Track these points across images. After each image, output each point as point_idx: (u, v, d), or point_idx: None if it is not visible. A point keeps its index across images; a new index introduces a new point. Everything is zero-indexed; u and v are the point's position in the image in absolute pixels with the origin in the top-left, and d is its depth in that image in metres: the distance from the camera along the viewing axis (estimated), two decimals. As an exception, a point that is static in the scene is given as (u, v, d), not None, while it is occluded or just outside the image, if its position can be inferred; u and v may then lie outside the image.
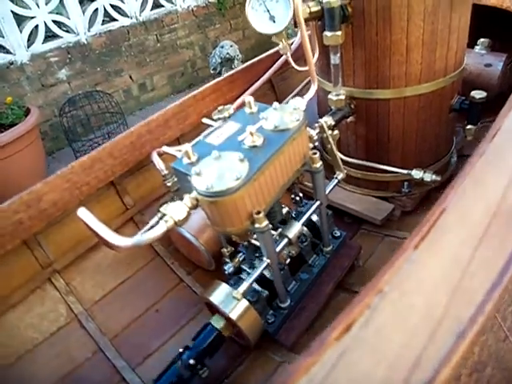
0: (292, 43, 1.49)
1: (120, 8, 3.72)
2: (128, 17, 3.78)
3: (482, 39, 1.54)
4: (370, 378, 0.48)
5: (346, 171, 1.18)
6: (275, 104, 1.00)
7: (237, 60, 3.79)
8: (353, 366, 0.50)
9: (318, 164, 1.02)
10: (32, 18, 3.26)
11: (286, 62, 1.57)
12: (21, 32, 3.22)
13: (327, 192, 1.13)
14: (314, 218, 1.17)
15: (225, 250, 1.15)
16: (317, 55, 1.29)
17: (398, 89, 1.20)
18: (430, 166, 1.35)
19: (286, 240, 1.02)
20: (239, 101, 1.47)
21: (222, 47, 3.74)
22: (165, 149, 1.22)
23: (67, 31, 3.48)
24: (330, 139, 1.12)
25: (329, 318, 1.16)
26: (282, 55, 1.56)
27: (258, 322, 1.04)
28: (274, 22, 1.18)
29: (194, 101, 1.41)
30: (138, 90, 4.02)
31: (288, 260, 1.14)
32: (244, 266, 1.17)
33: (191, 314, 1.25)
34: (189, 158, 0.92)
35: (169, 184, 1.22)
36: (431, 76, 1.18)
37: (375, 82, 1.21)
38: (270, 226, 0.92)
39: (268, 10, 1.18)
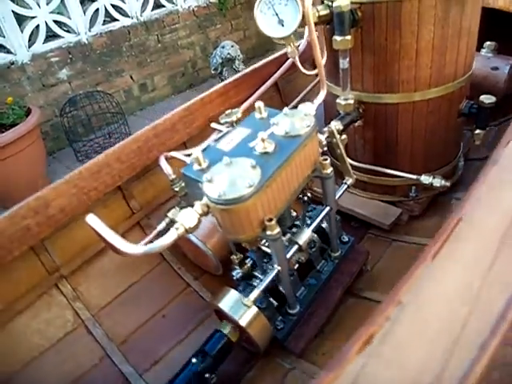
0: (299, 45, 1.48)
1: (121, 8, 3.71)
2: (129, 17, 3.76)
3: (488, 42, 1.54)
4: None
5: (360, 177, 1.18)
6: (285, 109, 0.99)
7: (238, 60, 3.78)
8: (375, 381, 0.49)
9: (329, 170, 1.02)
10: (33, 17, 3.25)
11: (292, 65, 1.57)
12: (22, 32, 3.21)
13: (337, 197, 1.12)
14: (323, 223, 1.17)
15: (234, 256, 1.14)
16: (325, 59, 1.28)
17: (406, 93, 1.19)
18: (437, 170, 1.34)
19: (296, 247, 1.01)
20: (246, 104, 1.46)
21: (223, 47, 3.73)
22: (173, 154, 1.21)
23: (68, 31, 3.47)
24: (340, 145, 1.12)
25: (338, 324, 1.15)
26: (287, 58, 1.56)
27: (267, 328, 1.03)
28: (283, 25, 1.17)
29: (201, 104, 1.40)
30: (138, 90, 4.01)
31: (296, 265, 1.14)
32: (253, 272, 1.16)
33: (198, 319, 1.24)
34: (199, 164, 0.91)
35: (176, 189, 1.21)
36: (440, 80, 1.18)
37: (384, 87, 1.20)
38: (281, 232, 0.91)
39: (277, 14, 1.17)
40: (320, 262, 1.19)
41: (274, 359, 1.10)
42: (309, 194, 1.19)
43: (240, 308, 1.00)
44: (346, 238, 1.24)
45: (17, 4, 3.15)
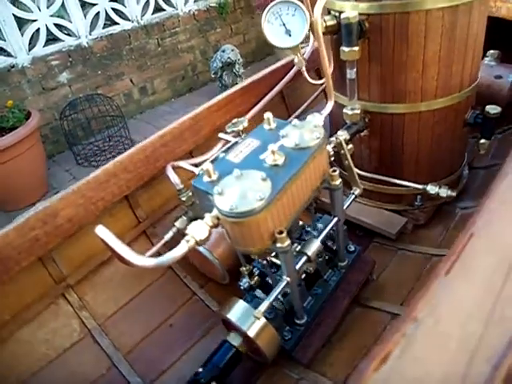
0: (303, 54, 1.48)
1: (121, 12, 3.72)
2: (129, 20, 3.77)
3: (491, 51, 1.55)
4: None
5: (364, 187, 1.18)
6: (295, 121, 0.99)
7: (238, 64, 3.79)
8: None
9: (338, 181, 1.02)
10: (33, 21, 3.26)
11: (297, 74, 1.58)
12: (22, 35, 3.21)
13: (344, 208, 1.12)
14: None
15: (243, 268, 1.14)
16: (331, 69, 1.28)
17: (413, 103, 1.20)
18: (442, 179, 1.35)
19: (305, 258, 1.01)
20: (252, 113, 1.47)
21: (223, 51, 3.74)
22: (181, 163, 1.21)
23: (68, 34, 3.48)
24: (348, 155, 1.12)
25: (345, 334, 1.15)
26: (293, 66, 1.57)
27: (275, 339, 1.03)
28: (290, 35, 1.18)
29: (207, 113, 1.40)
30: (138, 93, 4.01)
31: (303, 275, 1.14)
32: (260, 283, 1.16)
33: (205, 328, 1.24)
34: (209, 176, 0.91)
35: (184, 199, 1.21)
36: (447, 91, 1.18)
37: (390, 97, 1.21)
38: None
39: (284, 24, 1.17)
40: (327, 271, 1.20)
41: (282, 369, 1.11)
42: (315, 204, 1.20)
43: (248, 319, 1.00)
44: (352, 248, 1.24)
45: (17, 7, 3.15)
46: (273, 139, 0.97)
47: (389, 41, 1.13)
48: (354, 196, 1.16)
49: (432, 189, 1.25)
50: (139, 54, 3.88)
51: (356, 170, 1.31)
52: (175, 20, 4.04)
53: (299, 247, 1.05)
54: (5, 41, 3.13)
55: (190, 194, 1.21)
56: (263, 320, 0.99)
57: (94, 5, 3.54)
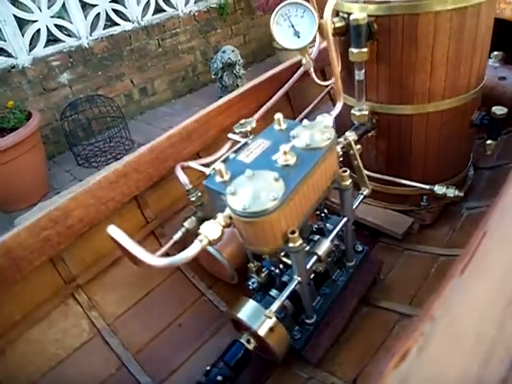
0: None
1: (122, 13, 3.72)
2: (130, 21, 3.77)
3: (495, 52, 1.56)
4: None
5: (371, 187, 1.19)
6: (305, 121, 1.00)
7: (238, 65, 3.79)
8: None
9: (348, 182, 1.03)
10: (34, 21, 3.26)
11: (302, 75, 1.59)
12: (23, 36, 3.20)
13: (353, 208, 1.13)
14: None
15: (251, 265, 1.14)
16: (339, 70, 1.29)
17: (420, 105, 1.21)
18: (448, 179, 1.36)
19: (315, 257, 1.02)
20: (259, 114, 1.47)
21: (224, 52, 3.74)
22: (191, 164, 1.22)
23: (69, 35, 3.47)
24: (357, 156, 1.13)
25: (353, 333, 1.16)
26: (299, 67, 1.58)
27: (286, 338, 1.04)
28: (299, 37, 1.19)
29: (215, 114, 1.40)
30: (138, 94, 4.01)
31: (312, 275, 1.15)
32: (269, 282, 1.17)
33: (214, 328, 1.24)
34: (222, 176, 0.92)
35: (193, 199, 1.21)
36: (454, 92, 1.19)
37: (398, 98, 1.22)
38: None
39: (293, 26, 1.18)
40: (335, 271, 1.20)
41: (291, 369, 1.11)
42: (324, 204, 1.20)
43: (259, 318, 1.00)
44: (360, 248, 1.25)
45: (18, 8, 3.14)
46: (283, 140, 0.98)
47: (397, 42, 1.13)
48: (362, 196, 1.17)
49: (439, 189, 1.26)
50: (140, 55, 3.88)
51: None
52: (175, 21, 4.05)
53: (308, 247, 1.06)
54: (5, 41, 3.12)
55: (200, 194, 1.22)
56: (274, 319, 1.00)
57: (95, 6, 3.54)
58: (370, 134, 1.30)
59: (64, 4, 3.36)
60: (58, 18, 3.41)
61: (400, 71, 1.18)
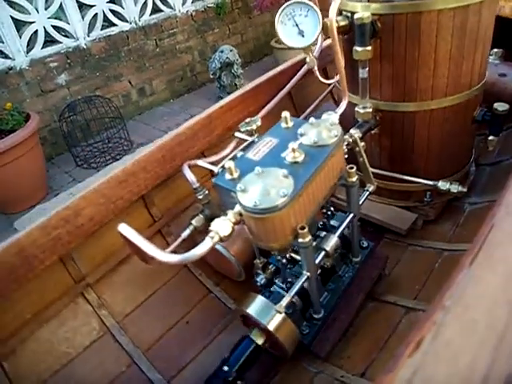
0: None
1: (119, 13, 3.72)
2: (127, 22, 3.77)
3: (495, 49, 1.58)
4: None
5: (376, 184, 1.20)
6: (311, 119, 1.01)
7: (236, 64, 3.80)
8: (429, 381, 0.51)
9: (354, 178, 1.04)
10: (31, 23, 3.25)
11: (305, 73, 1.60)
12: (20, 37, 3.21)
13: (359, 204, 1.15)
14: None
15: (257, 261, 1.16)
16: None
17: (423, 102, 1.22)
18: (451, 175, 1.38)
19: (323, 253, 1.03)
20: (263, 112, 1.49)
21: (222, 52, 3.75)
22: (198, 162, 1.23)
23: (66, 36, 3.47)
24: (363, 153, 1.15)
25: (359, 328, 1.18)
26: (301, 66, 1.59)
27: (295, 333, 1.05)
28: (303, 36, 1.20)
29: (220, 112, 1.42)
30: (137, 94, 4.01)
31: (319, 271, 1.16)
32: (276, 278, 1.18)
33: (222, 325, 1.25)
34: (231, 174, 0.93)
35: (200, 197, 1.22)
36: (457, 89, 1.21)
37: (402, 95, 1.23)
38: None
39: (297, 25, 1.19)
40: (341, 267, 1.22)
41: (300, 364, 1.12)
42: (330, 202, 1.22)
43: (268, 313, 1.02)
44: (365, 243, 1.26)
45: (15, 9, 3.14)
46: (291, 137, 0.99)
47: (401, 40, 1.15)
48: (368, 193, 1.18)
49: (443, 185, 1.28)
50: (137, 55, 3.88)
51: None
52: (173, 21, 4.05)
53: (314, 243, 1.07)
54: (3, 43, 3.12)
55: (207, 192, 1.23)
56: (283, 314, 1.01)
57: (92, 6, 3.54)
58: (373, 131, 1.31)
59: (61, 5, 3.36)
60: (56, 18, 3.41)
61: (403, 69, 1.19)
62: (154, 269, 1.28)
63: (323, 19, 1.17)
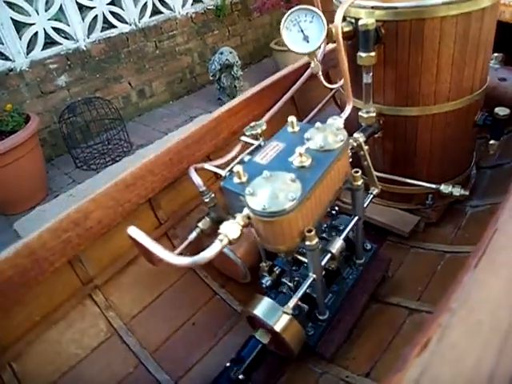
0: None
1: (119, 15, 3.73)
2: (127, 23, 3.78)
3: (495, 54, 1.60)
4: None
5: (380, 187, 1.22)
6: (317, 124, 1.03)
7: (236, 66, 3.81)
8: (435, 380, 0.53)
9: (360, 182, 1.06)
10: (31, 24, 3.25)
11: (308, 77, 1.62)
12: (20, 39, 3.21)
13: (364, 207, 1.17)
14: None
15: (263, 264, 1.17)
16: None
17: (426, 106, 1.24)
18: (452, 178, 1.40)
19: (329, 255, 1.05)
20: (267, 116, 1.50)
21: (222, 54, 3.76)
22: (206, 166, 1.24)
23: (66, 38, 3.48)
24: (367, 156, 1.16)
25: (363, 329, 1.19)
26: (304, 71, 1.61)
27: (301, 333, 1.07)
28: (308, 41, 1.22)
29: (226, 116, 1.43)
30: (136, 96, 4.02)
31: (323, 273, 1.18)
32: (282, 280, 1.20)
33: (227, 326, 1.27)
34: (239, 177, 0.95)
35: (207, 200, 1.24)
36: (459, 94, 1.23)
37: (405, 100, 1.26)
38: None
39: (302, 30, 1.21)
40: (346, 269, 1.24)
41: (305, 365, 1.14)
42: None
43: (274, 315, 1.03)
44: (368, 246, 1.28)
45: (15, 11, 3.14)
46: (297, 142, 1.01)
47: (404, 46, 1.17)
48: (372, 196, 1.20)
49: (446, 188, 1.30)
50: (137, 57, 3.89)
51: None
52: (173, 23, 4.06)
53: (320, 245, 1.09)
54: (3, 44, 3.12)
55: (213, 195, 1.25)
56: (290, 316, 1.03)
57: (92, 8, 3.55)
58: (376, 135, 1.33)
59: (61, 7, 3.36)
60: (56, 20, 3.41)
61: (406, 74, 1.21)
62: (160, 271, 1.29)
63: (328, 25, 1.19)
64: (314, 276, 1.02)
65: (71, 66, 3.49)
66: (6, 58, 3.16)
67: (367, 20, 1.12)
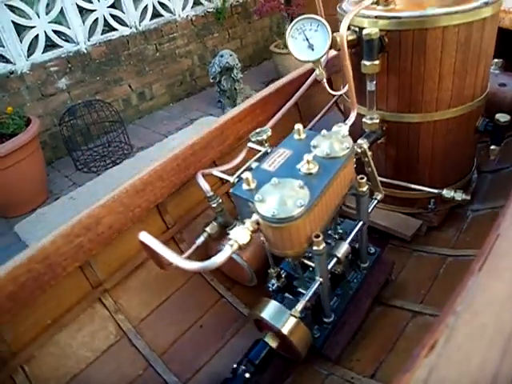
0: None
1: (120, 18, 3.75)
2: (127, 26, 3.80)
3: (495, 59, 1.62)
4: None
5: (384, 192, 1.25)
6: (323, 131, 1.06)
7: (236, 69, 3.83)
8: (442, 380, 0.56)
9: (365, 188, 1.09)
10: (32, 27, 3.27)
11: (311, 84, 1.65)
12: (21, 41, 3.22)
13: (369, 212, 1.19)
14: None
15: (272, 270, 1.20)
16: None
17: (428, 113, 1.27)
18: (454, 183, 1.43)
19: (335, 259, 1.07)
20: (272, 122, 1.53)
21: (222, 56, 3.78)
22: (214, 172, 1.27)
23: (67, 41, 3.49)
24: (372, 163, 1.19)
25: (368, 331, 1.22)
26: (308, 77, 1.64)
27: (308, 336, 1.09)
28: (313, 50, 1.24)
29: (231, 123, 1.45)
30: (137, 98, 4.03)
31: (329, 276, 1.20)
32: (288, 284, 1.22)
33: (234, 329, 1.29)
34: (248, 184, 0.97)
35: (214, 205, 1.26)
36: (460, 101, 1.26)
37: (407, 107, 1.28)
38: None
39: (307, 39, 1.23)
40: (350, 272, 1.26)
41: (312, 366, 1.16)
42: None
43: (282, 317, 1.05)
44: (372, 250, 1.31)
45: (16, 14, 3.16)
46: (304, 149, 1.03)
47: (407, 55, 1.20)
48: (376, 201, 1.23)
49: (448, 193, 1.33)
50: (137, 60, 3.91)
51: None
52: (173, 25, 4.09)
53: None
54: (4, 47, 3.14)
55: (220, 200, 1.27)
56: (296, 318, 1.05)
57: (93, 11, 3.57)
58: (379, 141, 1.36)
59: (62, 10, 3.38)
60: (56, 23, 3.43)
61: (409, 82, 1.24)
62: (167, 274, 1.32)
63: (333, 33, 1.21)
64: (321, 280, 1.04)
65: (72, 69, 3.50)
66: (7, 61, 3.17)
67: (371, 29, 1.15)
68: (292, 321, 1.05)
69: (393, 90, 1.28)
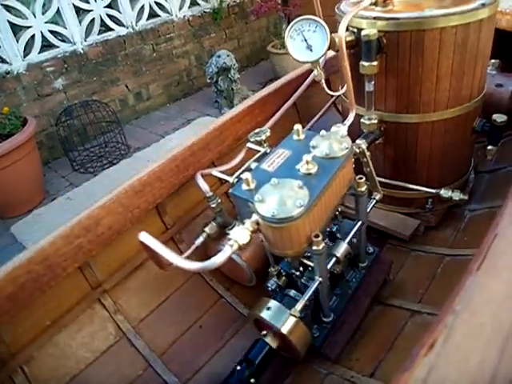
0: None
1: (116, 18, 3.74)
2: (124, 26, 3.79)
3: (492, 60, 1.63)
4: None
5: (382, 192, 1.26)
6: (322, 132, 1.06)
7: (233, 69, 3.83)
8: (441, 380, 0.56)
9: (363, 188, 1.10)
10: (28, 27, 3.26)
11: (309, 84, 1.65)
12: (17, 42, 3.21)
13: (367, 212, 1.20)
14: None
15: (272, 269, 1.20)
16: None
17: (426, 114, 1.28)
18: (451, 183, 1.44)
19: (334, 259, 1.08)
20: (271, 122, 1.53)
21: (219, 57, 3.78)
22: (213, 172, 1.27)
23: (63, 41, 3.48)
24: (370, 163, 1.20)
25: (367, 330, 1.23)
26: (306, 77, 1.64)
27: (307, 336, 1.10)
28: (311, 50, 1.24)
29: (230, 123, 1.46)
30: (133, 99, 4.03)
31: (328, 276, 1.21)
32: (288, 283, 1.23)
33: (233, 329, 1.30)
34: (248, 184, 0.97)
35: (213, 205, 1.27)
36: (458, 102, 1.27)
37: (405, 108, 1.29)
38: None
39: (306, 40, 1.24)
40: (349, 272, 1.27)
41: (311, 365, 1.17)
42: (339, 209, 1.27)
43: (281, 317, 1.06)
44: (371, 249, 1.31)
45: (12, 14, 3.15)
46: (303, 149, 1.04)
47: (405, 56, 1.20)
48: (375, 201, 1.23)
49: (445, 193, 1.34)
50: (134, 60, 3.90)
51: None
52: (170, 26, 4.08)
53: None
54: (0, 47, 3.12)
55: (219, 201, 1.27)
56: (295, 318, 1.06)
57: (89, 11, 3.56)
58: (377, 142, 1.37)
59: (58, 10, 3.37)
60: (53, 23, 3.42)
61: (407, 83, 1.25)
62: (166, 275, 1.32)
63: (331, 34, 1.22)
64: (320, 279, 1.05)
65: (68, 69, 3.49)
66: (3, 61, 3.16)
67: (369, 30, 1.16)
68: (291, 320, 1.05)
69: (391, 90, 1.29)
